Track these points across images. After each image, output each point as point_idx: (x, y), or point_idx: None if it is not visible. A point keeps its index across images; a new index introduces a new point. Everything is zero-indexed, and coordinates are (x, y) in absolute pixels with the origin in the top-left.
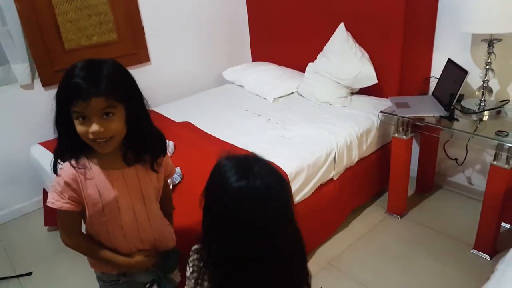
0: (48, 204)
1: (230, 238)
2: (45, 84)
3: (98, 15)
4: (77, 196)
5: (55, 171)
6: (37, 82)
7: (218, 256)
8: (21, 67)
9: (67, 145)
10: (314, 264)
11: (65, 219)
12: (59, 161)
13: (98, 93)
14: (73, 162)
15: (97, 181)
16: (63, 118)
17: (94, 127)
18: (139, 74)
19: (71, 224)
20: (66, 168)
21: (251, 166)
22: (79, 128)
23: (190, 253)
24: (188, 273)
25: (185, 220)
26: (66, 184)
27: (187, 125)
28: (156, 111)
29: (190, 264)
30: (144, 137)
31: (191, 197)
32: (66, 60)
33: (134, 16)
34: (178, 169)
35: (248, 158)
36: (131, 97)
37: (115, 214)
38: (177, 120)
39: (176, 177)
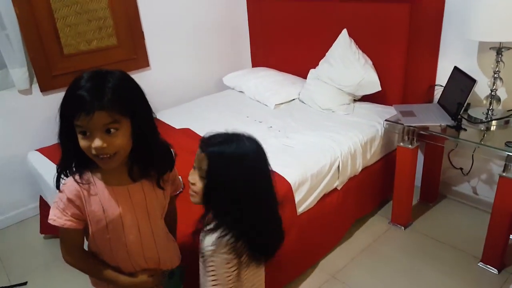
0: (49, 221)
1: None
2: (44, 89)
3: (97, 20)
4: (80, 213)
5: (58, 186)
6: (35, 87)
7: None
8: (19, 72)
9: (71, 159)
10: (317, 277)
11: (67, 236)
12: (62, 176)
13: (101, 106)
14: (76, 177)
15: (101, 197)
16: (67, 131)
17: (97, 143)
18: (139, 79)
19: (73, 242)
20: (69, 183)
21: (240, 137)
22: (82, 142)
23: (213, 247)
24: (217, 264)
25: (187, 232)
26: (69, 200)
27: (187, 132)
28: (155, 117)
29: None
30: (151, 152)
31: (193, 207)
32: (65, 65)
33: (134, 21)
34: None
35: (228, 136)
36: (138, 111)
37: (119, 231)
38: (177, 127)
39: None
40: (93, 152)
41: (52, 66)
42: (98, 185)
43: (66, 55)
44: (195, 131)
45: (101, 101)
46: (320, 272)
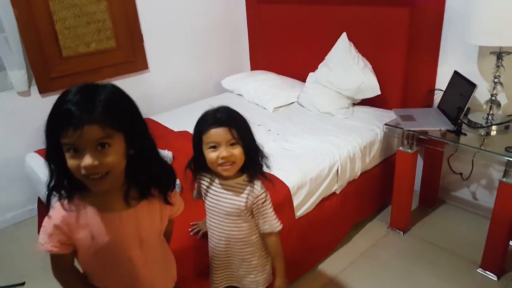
0: (38, 245)
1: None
2: (42, 91)
3: (96, 22)
4: (67, 239)
5: (48, 209)
6: (34, 89)
7: None
8: (18, 74)
9: (60, 182)
10: (315, 282)
11: (56, 259)
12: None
13: (91, 120)
14: (65, 202)
15: (90, 224)
16: (54, 151)
17: (87, 161)
18: (137, 81)
19: (62, 265)
20: (57, 209)
21: (221, 106)
22: (70, 162)
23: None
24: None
25: (182, 237)
26: (56, 227)
27: (185, 135)
28: (154, 119)
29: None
30: (150, 170)
31: (189, 211)
32: (64, 68)
33: (133, 23)
34: (177, 181)
35: (219, 108)
36: (132, 125)
37: (109, 260)
38: (175, 129)
39: (176, 189)
40: (83, 172)
41: (50, 68)
42: (88, 211)
43: (65, 57)
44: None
45: (91, 114)
46: (319, 275)
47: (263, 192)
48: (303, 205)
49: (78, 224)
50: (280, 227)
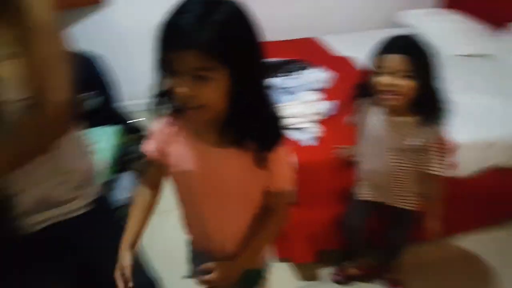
0: (143, 146)
1: None
2: None
3: None
4: (163, 148)
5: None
6: None
7: None
8: None
9: (165, 95)
10: (439, 251)
11: (148, 168)
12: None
13: (192, 44)
14: (169, 118)
15: (178, 146)
16: (164, 62)
17: (181, 88)
18: None
19: (148, 177)
20: (165, 118)
21: (400, 35)
22: (168, 81)
23: None
24: None
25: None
26: (157, 134)
27: (343, 60)
28: (318, 39)
29: None
30: (252, 118)
31: (336, 135)
32: None
33: None
34: (314, 130)
35: (403, 36)
36: (243, 60)
37: (184, 194)
38: (336, 54)
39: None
40: (177, 96)
41: None
42: (182, 133)
43: None
44: (352, 62)
45: (195, 38)
46: (448, 247)
47: (439, 139)
48: (467, 168)
49: (170, 140)
50: (442, 174)
